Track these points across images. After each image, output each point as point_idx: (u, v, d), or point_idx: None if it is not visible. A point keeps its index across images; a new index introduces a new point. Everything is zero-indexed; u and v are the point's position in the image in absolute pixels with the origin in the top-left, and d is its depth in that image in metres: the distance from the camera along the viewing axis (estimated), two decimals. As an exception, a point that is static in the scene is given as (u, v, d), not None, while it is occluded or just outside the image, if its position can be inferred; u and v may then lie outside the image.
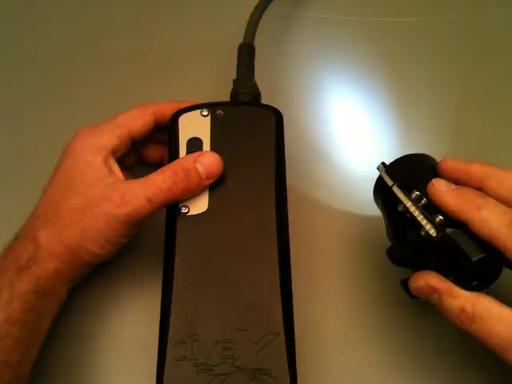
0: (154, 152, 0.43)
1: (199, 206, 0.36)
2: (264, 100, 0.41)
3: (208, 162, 0.36)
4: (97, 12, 0.52)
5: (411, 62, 0.49)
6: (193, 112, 0.38)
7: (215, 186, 0.36)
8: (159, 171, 0.36)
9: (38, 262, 0.33)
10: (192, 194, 0.36)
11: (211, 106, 0.38)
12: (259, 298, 0.33)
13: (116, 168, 0.37)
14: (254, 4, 0.45)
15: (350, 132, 0.45)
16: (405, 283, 0.34)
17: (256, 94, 0.41)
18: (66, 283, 0.35)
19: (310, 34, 0.50)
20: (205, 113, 0.38)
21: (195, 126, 0.38)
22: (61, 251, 0.34)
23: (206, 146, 0.37)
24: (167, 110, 0.39)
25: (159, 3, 0.52)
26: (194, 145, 0.37)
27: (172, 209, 0.36)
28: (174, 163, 0.36)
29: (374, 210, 0.37)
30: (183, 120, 0.38)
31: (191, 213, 0.36)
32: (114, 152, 0.37)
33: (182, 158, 0.37)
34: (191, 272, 0.34)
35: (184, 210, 0.36)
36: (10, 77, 0.49)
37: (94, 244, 0.35)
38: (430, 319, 0.38)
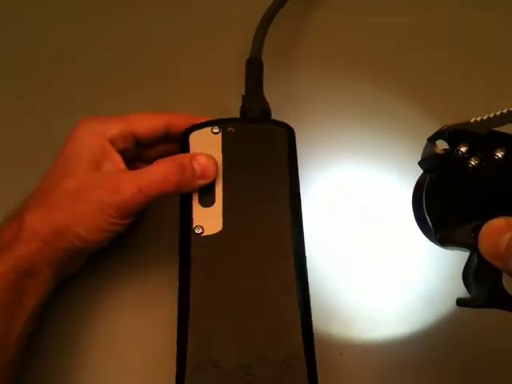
0: None
1: (213, 226, 0.35)
2: (274, 114, 0.40)
3: (204, 161, 0.36)
4: (107, 21, 0.51)
5: (434, 64, 0.48)
6: (204, 129, 0.38)
7: (229, 205, 0.36)
8: (154, 163, 0.36)
9: (19, 242, 0.33)
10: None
11: (222, 123, 0.38)
12: (278, 321, 0.33)
13: (117, 158, 0.37)
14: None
15: (366, 146, 0.45)
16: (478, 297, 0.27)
17: (266, 110, 0.40)
18: (50, 265, 0.34)
19: (320, 41, 0.49)
20: (216, 130, 0.38)
21: (206, 143, 0.37)
22: (45, 231, 0.34)
23: (218, 164, 0.37)
24: (181, 122, 0.39)
25: (168, 16, 0.51)
26: None
27: (186, 229, 0.36)
28: (170, 158, 0.36)
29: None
30: (194, 137, 0.38)
31: (206, 233, 0.35)
32: (112, 142, 0.37)
33: (179, 154, 0.37)
34: (207, 294, 0.34)
35: (198, 231, 0.35)
36: (10, 77, 0.48)
37: (82, 228, 0.34)
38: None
